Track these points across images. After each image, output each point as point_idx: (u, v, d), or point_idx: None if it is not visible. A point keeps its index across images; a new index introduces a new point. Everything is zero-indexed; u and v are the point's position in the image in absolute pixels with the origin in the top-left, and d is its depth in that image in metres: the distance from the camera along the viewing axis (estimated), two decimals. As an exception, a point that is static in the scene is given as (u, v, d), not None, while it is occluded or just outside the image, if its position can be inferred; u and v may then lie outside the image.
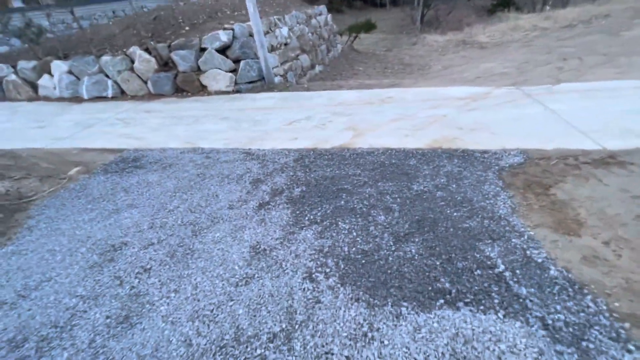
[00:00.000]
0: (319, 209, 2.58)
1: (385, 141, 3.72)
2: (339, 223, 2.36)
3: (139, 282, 2.03)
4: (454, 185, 2.79)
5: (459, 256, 1.93)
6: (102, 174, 3.63)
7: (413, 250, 2.00)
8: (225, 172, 3.38)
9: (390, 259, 1.95)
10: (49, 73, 6.96)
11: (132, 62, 6.50)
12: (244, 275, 1.96)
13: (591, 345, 1.34)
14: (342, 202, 2.64)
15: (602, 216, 2.33)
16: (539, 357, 1.31)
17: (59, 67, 6.82)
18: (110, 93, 6.67)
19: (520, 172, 3.08)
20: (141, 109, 5.85)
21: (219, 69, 6.11)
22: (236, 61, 6.16)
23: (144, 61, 6.38)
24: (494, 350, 1.34)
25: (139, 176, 3.50)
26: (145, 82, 6.54)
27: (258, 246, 2.21)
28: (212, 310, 1.74)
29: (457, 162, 3.22)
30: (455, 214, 2.37)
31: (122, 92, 6.71)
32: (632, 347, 1.33)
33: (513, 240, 2.06)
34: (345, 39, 13.27)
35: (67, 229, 2.70)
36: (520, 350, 1.34)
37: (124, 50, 6.56)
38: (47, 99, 7.03)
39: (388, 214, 2.43)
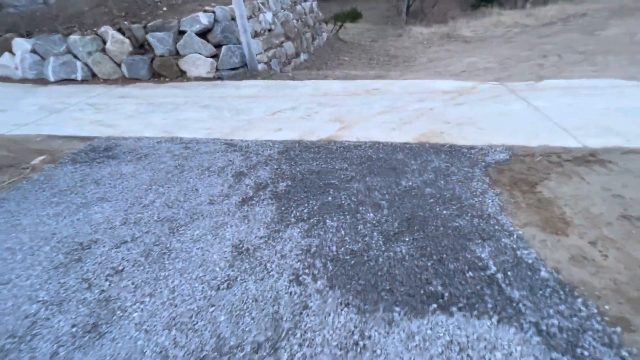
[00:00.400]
0: (306, 205, 2.47)
1: (373, 134, 3.64)
2: (327, 221, 2.27)
3: (109, 285, 1.86)
4: (442, 182, 2.75)
5: (450, 257, 1.88)
6: (70, 164, 3.36)
7: (404, 251, 1.94)
8: (206, 164, 3.20)
9: (381, 259, 1.87)
10: (10, 51, 6.40)
11: (104, 42, 6.06)
12: (226, 278, 1.83)
13: (586, 353, 1.33)
14: (330, 198, 2.54)
15: (587, 215, 2.35)
16: (536, 366, 1.28)
17: (21, 45, 6.27)
18: (79, 76, 6.21)
19: (506, 169, 3.08)
20: (114, 94, 5.48)
21: (199, 53, 5.80)
22: (217, 46, 5.86)
23: (117, 42, 5.96)
24: (490, 359, 1.30)
25: (111, 167, 3.26)
26: (119, 65, 6.13)
27: (241, 245, 2.08)
28: (191, 317, 1.61)
29: (445, 158, 3.18)
30: (444, 212, 2.32)
31: (94, 75, 6.27)
32: (625, 354, 1.32)
33: (503, 240, 2.03)
34: (331, 28, 13.01)
35: (29, 225, 2.47)
36: (516, 358, 1.30)
37: (95, 29, 6.10)
38: (8, 79, 6.48)
39: (377, 211, 2.35)
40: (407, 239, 2.04)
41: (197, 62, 5.82)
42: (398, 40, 14.08)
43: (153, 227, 2.35)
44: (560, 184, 2.81)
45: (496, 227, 2.17)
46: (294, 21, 8.64)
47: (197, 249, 2.10)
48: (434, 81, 5.53)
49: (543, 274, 1.74)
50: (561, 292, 1.62)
